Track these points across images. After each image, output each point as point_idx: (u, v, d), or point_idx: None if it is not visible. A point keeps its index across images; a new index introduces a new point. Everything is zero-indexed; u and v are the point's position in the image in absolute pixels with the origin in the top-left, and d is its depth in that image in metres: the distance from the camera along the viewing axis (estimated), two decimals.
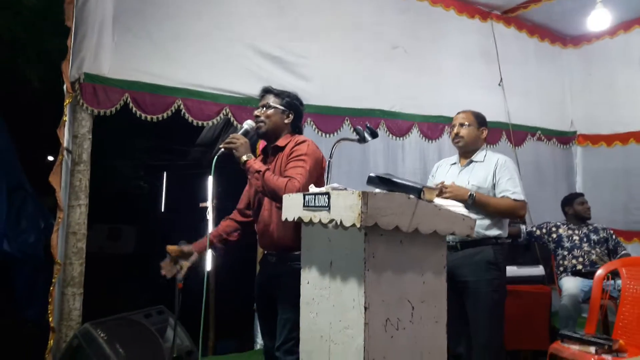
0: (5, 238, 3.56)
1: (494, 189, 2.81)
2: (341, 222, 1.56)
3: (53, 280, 3.24)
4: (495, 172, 2.82)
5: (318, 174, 2.31)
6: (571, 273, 3.99)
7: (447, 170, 3.06)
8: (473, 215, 2.51)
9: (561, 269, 4.10)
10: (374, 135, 1.95)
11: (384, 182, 1.64)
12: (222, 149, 2.33)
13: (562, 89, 5.47)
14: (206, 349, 5.90)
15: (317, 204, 1.70)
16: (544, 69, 5.31)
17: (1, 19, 4.17)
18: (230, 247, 2.73)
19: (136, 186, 9.89)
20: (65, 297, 3.31)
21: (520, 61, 5.12)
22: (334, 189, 1.69)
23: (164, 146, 7.72)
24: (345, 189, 1.66)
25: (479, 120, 2.97)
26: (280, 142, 2.44)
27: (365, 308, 1.53)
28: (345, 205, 1.54)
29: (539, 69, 5.27)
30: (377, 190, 1.66)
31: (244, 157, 2.29)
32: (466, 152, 2.98)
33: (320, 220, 1.69)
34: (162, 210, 10.23)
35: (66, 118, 3.34)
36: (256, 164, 2.29)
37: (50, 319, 3.22)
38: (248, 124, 2.48)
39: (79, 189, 3.40)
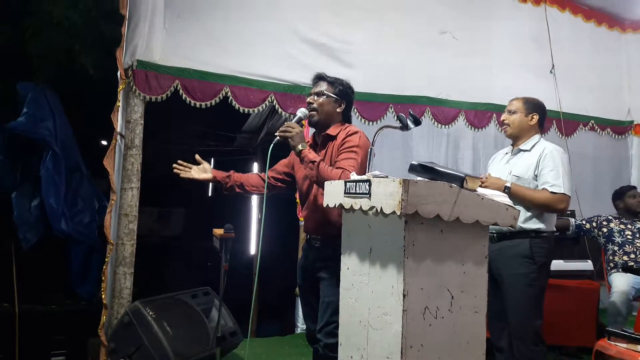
0: (64, 217, 3.76)
1: (536, 180, 2.69)
2: (381, 209, 1.57)
3: (106, 259, 3.39)
4: (539, 162, 2.70)
5: (365, 163, 2.30)
6: (622, 269, 3.83)
7: (499, 159, 2.99)
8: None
9: (611, 264, 3.96)
10: (417, 122, 1.94)
11: (427, 170, 1.63)
12: (278, 137, 2.35)
13: (620, 76, 5.23)
14: (248, 332, 6.07)
15: (358, 191, 1.71)
16: (600, 55, 5.08)
17: (59, 6, 4.34)
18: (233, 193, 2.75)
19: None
20: (117, 276, 3.46)
21: (574, 47, 4.91)
22: (375, 176, 1.70)
23: (212, 132, 7.88)
24: (387, 176, 1.67)
25: (529, 106, 2.85)
26: (332, 131, 2.45)
27: (404, 295, 1.54)
28: (385, 193, 1.55)
29: (594, 55, 5.05)
30: (419, 178, 1.65)
31: (299, 147, 2.31)
32: (515, 141, 2.88)
33: (360, 207, 1.70)
34: (210, 194, 10.46)
35: (119, 104, 3.47)
36: (311, 153, 2.31)
37: (103, 297, 3.38)
38: (302, 111, 2.48)
39: (131, 172, 3.53)
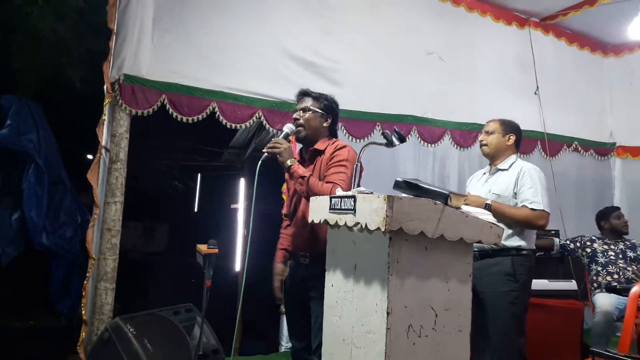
0: (45, 231, 3.69)
1: (516, 197, 2.75)
2: (366, 225, 1.56)
3: (87, 274, 3.34)
4: (517, 180, 2.76)
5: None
6: (605, 289, 3.86)
7: (477, 179, 3.06)
8: None
9: (595, 284, 3.98)
10: (402, 140, 1.95)
11: (411, 187, 1.63)
12: (266, 154, 2.34)
13: (602, 98, 5.33)
14: (231, 350, 5.97)
15: (343, 207, 1.71)
16: (582, 78, 5.19)
17: (47, 20, 4.32)
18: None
19: (171, 186, 10.09)
20: (98, 291, 3.40)
21: (557, 69, 5.01)
22: (360, 192, 1.70)
23: (199, 147, 7.86)
24: (372, 192, 1.66)
25: (505, 127, 2.94)
26: (319, 146, 2.45)
27: (388, 313, 1.52)
28: (370, 209, 1.55)
29: (577, 78, 5.15)
30: (404, 195, 1.65)
31: (288, 162, 2.31)
32: (493, 160, 2.96)
33: (345, 223, 1.69)
34: (195, 210, 10.39)
35: (105, 117, 3.45)
36: (300, 169, 2.30)
37: (83, 312, 3.31)
38: (288, 127, 2.47)
39: (115, 186, 3.49)
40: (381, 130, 4.24)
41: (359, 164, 1.98)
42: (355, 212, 1.63)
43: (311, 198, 2.03)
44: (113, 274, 3.45)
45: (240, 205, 6.07)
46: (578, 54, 5.19)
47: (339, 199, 1.74)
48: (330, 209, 1.80)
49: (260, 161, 2.36)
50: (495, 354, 2.64)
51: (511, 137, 2.92)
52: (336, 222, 1.75)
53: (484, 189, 2.88)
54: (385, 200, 1.48)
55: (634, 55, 5.21)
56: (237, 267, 6.22)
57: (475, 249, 2.65)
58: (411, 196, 1.60)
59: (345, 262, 1.80)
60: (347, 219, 1.67)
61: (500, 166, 2.90)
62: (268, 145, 2.37)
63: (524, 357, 2.65)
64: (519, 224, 2.71)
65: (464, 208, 1.62)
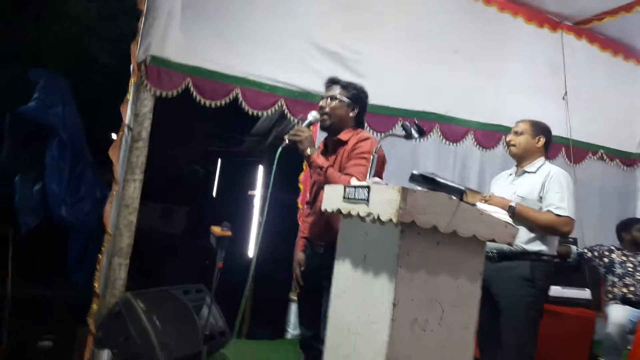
0: (64, 204, 3.76)
1: (541, 201, 2.67)
2: (379, 216, 1.56)
3: (103, 249, 3.40)
4: (544, 184, 2.68)
5: (379, 172, 2.28)
6: (620, 301, 3.79)
7: (503, 180, 2.99)
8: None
9: (610, 295, 3.91)
10: (422, 133, 1.93)
11: (427, 180, 1.62)
12: (287, 141, 2.33)
13: (632, 108, 5.18)
14: (240, 333, 6.03)
15: (356, 197, 1.70)
16: (614, 86, 5.05)
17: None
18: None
19: (192, 170, 10.20)
20: (112, 266, 3.45)
21: (588, 75, 4.89)
22: (375, 182, 1.69)
23: (221, 133, 7.91)
24: (387, 184, 1.66)
25: (536, 128, 2.86)
26: (343, 136, 2.41)
27: (394, 305, 1.52)
28: (384, 200, 1.54)
29: (608, 85, 5.01)
30: (419, 188, 1.64)
31: (308, 151, 2.29)
32: (520, 162, 2.88)
33: (358, 214, 1.69)
34: (214, 195, 10.48)
35: (130, 96, 3.49)
36: (319, 159, 2.28)
37: (96, 285, 3.38)
38: (313, 115, 2.44)
39: (135, 164, 3.53)
40: (401, 123, 4.21)
41: (375, 155, 1.96)
42: (368, 202, 1.62)
43: (325, 187, 2.03)
44: (128, 250, 3.49)
45: (258, 192, 6.11)
46: (611, 60, 5.05)
47: (354, 189, 1.73)
48: (344, 198, 1.80)
49: (280, 148, 2.35)
50: (507, 358, 2.60)
51: (541, 139, 2.84)
52: (349, 211, 1.75)
53: (509, 190, 2.81)
54: (399, 192, 1.47)
55: None
56: (251, 253, 6.27)
57: (495, 251, 2.64)
58: (426, 190, 1.58)
59: (355, 253, 1.80)
60: (360, 209, 1.67)
61: (527, 168, 2.82)
62: (290, 132, 2.36)
63: None
64: (543, 229, 2.63)
65: (480, 206, 1.60)
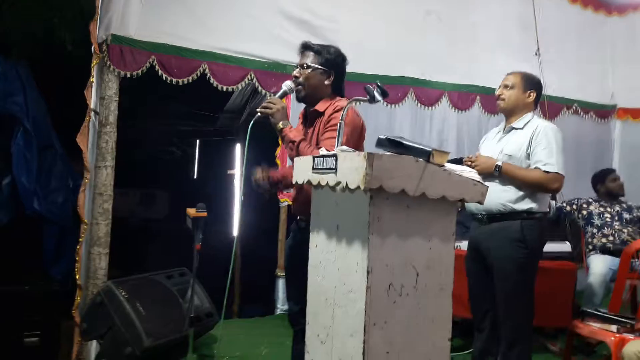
0: (36, 197, 3.67)
1: (529, 158, 2.57)
2: (347, 184, 1.53)
3: (80, 239, 3.34)
4: (531, 140, 2.56)
5: (356, 142, 2.17)
6: (600, 251, 3.85)
7: (491, 138, 2.87)
8: (493, 184, 2.43)
9: (590, 247, 3.97)
10: (384, 94, 1.88)
11: (394, 144, 1.59)
12: (258, 114, 2.23)
13: (604, 60, 5.19)
14: (231, 313, 6.05)
15: (325, 167, 1.67)
16: (584, 39, 5.04)
17: None
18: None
19: (168, 152, 10.02)
20: (91, 256, 3.41)
21: (559, 30, 4.87)
22: (343, 151, 1.65)
23: (196, 112, 7.77)
24: (354, 151, 1.62)
25: (527, 82, 2.70)
26: (319, 107, 2.29)
27: (368, 272, 1.50)
28: (351, 167, 1.51)
29: (579, 39, 5.01)
30: (385, 152, 1.61)
31: (280, 124, 2.19)
32: (509, 118, 2.73)
33: (327, 183, 1.66)
34: (194, 176, 10.35)
35: (93, 79, 3.39)
36: (291, 132, 2.19)
37: (78, 277, 3.33)
38: (287, 85, 2.32)
39: (105, 150, 3.46)
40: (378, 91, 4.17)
41: (342, 122, 1.91)
42: (336, 171, 1.59)
43: (295, 159, 1.98)
44: (106, 239, 3.44)
45: (237, 171, 6.05)
46: (581, 13, 5.02)
47: (322, 159, 1.70)
48: (313, 169, 1.76)
49: (252, 122, 2.28)
50: (504, 318, 2.57)
51: (532, 93, 2.69)
52: (319, 182, 1.72)
53: (496, 148, 2.69)
54: (364, 158, 1.44)
55: (638, 14, 5.05)
56: (235, 232, 6.24)
57: (483, 212, 2.58)
58: (393, 154, 1.55)
59: (328, 223, 1.77)
60: (329, 179, 1.64)
61: (514, 124, 2.68)
62: (262, 104, 2.27)
63: (531, 323, 2.58)
64: (531, 187, 2.54)
65: (448, 166, 1.58)
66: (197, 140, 9.66)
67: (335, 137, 2.06)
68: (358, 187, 1.47)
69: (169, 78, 3.59)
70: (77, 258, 3.34)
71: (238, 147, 6.51)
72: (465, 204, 2.67)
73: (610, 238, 3.89)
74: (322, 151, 1.81)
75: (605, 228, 3.94)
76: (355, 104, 3.93)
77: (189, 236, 2.75)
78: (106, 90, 3.45)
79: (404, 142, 1.58)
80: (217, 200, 6.73)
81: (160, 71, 3.55)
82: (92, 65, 3.37)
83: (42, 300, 3.80)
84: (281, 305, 4.42)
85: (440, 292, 1.59)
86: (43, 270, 4.01)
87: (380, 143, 1.62)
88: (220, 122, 7.04)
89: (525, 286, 2.57)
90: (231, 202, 6.55)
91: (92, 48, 3.38)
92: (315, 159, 1.75)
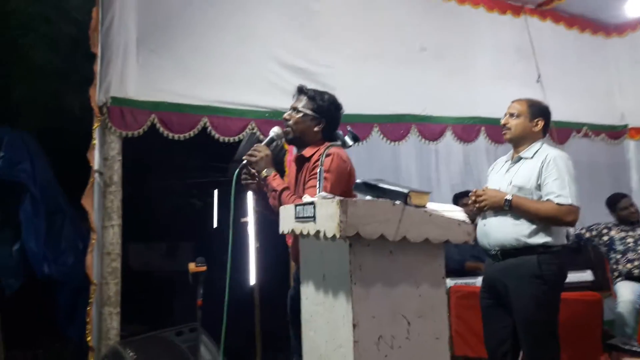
0: (46, 261, 3.71)
1: (540, 189, 2.44)
2: (324, 233, 1.48)
3: (90, 300, 3.33)
4: (541, 170, 2.44)
5: (344, 189, 2.06)
6: (626, 277, 3.69)
7: (498, 169, 2.75)
8: (504, 218, 2.33)
9: (615, 273, 3.81)
10: (356, 139, 1.86)
11: (370, 188, 1.55)
12: (244, 162, 2.23)
13: (609, 80, 5.10)
14: None
15: (305, 215, 1.63)
16: (586, 62, 4.98)
17: (40, 50, 4.38)
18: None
19: (189, 204, 10.13)
20: (102, 316, 3.39)
21: (559, 55, 4.82)
22: (323, 197, 1.62)
23: (212, 164, 7.87)
24: (334, 197, 1.58)
25: (533, 109, 2.59)
26: (306, 153, 2.24)
27: (354, 325, 1.43)
28: (327, 215, 1.47)
29: (580, 62, 4.95)
30: (368, 197, 1.57)
31: (264, 172, 2.17)
32: (517, 147, 2.61)
33: (309, 232, 1.61)
34: (215, 226, 10.40)
35: (95, 141, 3.46)
36: (274, 181, 2.15)
37: (89, 338, 3.31)
38: (274, 131, 2.30)
39: (111, 209, 3.49)
40: (380, 132, 4.16)
41: (322, 168, 1.87)
42: (315, 219, 1.55)
43: (281, 208, 1.95)
44: (117, 298, 3.43)
45: (250, 218, 6.02)
46: (579, 37, 4.98)
47: (302, 207, 1.66)
48: (295, 217, 1.72)
49: (237, 170, 2.26)
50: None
51: (539, 122, 2.57)
52: (301, 231, 1.68)
53: (504, 180, 2.57)
54: (338, 204, 1.40)
55: (638, 33, 4.99)
56: (252, 280, 6.16)
57: (497, 249, 2.47)
58: (369, 198, 1.51)
59: (315, 273, 1.72)
60: (310, 228, 1.59)
61: (523, 154, 2.56)
62: (248, 152, 2.26)
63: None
64: (545, 221, 2.40)
65: (430, 206, 1.52)
66: (215, 190, 9.75)
67: (315, 186, 1.99)
68: (334, 236, 1.42)
69: (170, 134, 3.64)
70: (87, 319, 3.33)
71: (250, 194, 6.51)
72: (478, 239, 2.58)
73: (636, 263, 3.74)
74: (305, 198, 1.77)
75: (629, 253, 3.78)
76: (346, 148, 3.94)
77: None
78: (109, 151, 3.51)
79: (380, 185, 1.53)
80: (235, 249, 6.67)
81: (161, 129, 3.61)
82: (94, 128, 3.45)
83: None
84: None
85: (435, 342, 1.50)
86: (58, 332, 3.99)
87: (357, 187, 1.59)
88: (230, 172, 7.09)
89: (548, 324, 2.43)
90: (246, 250, 6.51)
91: (93, 111, 3.46)
92: (297, 207, 1.72)
